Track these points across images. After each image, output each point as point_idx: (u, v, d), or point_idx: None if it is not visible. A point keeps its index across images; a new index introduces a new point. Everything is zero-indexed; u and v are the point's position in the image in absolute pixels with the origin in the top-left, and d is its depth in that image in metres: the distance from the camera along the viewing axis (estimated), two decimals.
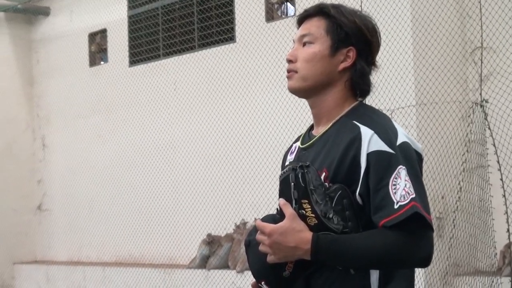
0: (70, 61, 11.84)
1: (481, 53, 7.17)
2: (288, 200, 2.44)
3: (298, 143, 2.69)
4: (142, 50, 10.84)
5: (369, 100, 7.85)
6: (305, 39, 2.61)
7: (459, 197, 7.04)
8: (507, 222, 6.70)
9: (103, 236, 11.03)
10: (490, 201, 6.95)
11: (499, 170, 6.82)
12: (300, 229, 2.40)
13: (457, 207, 7.04)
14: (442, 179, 7.19)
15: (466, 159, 7.06)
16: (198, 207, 9.71)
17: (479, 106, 7.07)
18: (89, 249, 11.41)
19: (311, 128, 2.68)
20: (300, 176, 2.43)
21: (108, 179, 11.02)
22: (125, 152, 10.83)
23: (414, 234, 2.34)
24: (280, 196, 2.49)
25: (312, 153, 2.57)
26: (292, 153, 2.70)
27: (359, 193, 2.40)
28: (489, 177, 7.01)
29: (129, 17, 11.02)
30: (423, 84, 7.24)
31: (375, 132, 2.45)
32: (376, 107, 7.67)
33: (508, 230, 6.72)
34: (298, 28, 2.67)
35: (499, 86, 7.10)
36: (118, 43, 11.14)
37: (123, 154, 10.86)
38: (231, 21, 9.62)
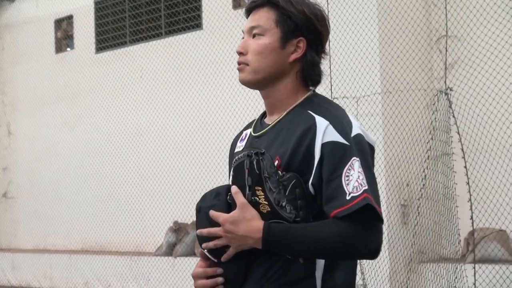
0: (36, 48, 11.76)
1: (446, 42, 7.19)
2: (242, 186, 2.43)
3: (250, 130, 2.68)
4: (108, 37, 10.79)
5: (334, 88, 7.85)
6: (255, 31, 2.60)
7: (423, 185, 7.09)
8: (471, 209, 6.74)
9: (69, 223, 10.98)
10: (454, 188, 6.98)
11: (463, 157, 6.86)
12: (250, 217, 2.41)
13: (422, 194, 7.10)
14: (407, 166, 7.25)
15: (430, 147, 7.10)
16: (164, 194, 9.70)
17: (443, 94, 7.10)
18: (55, 237, 11.36)
19: (264, 115, 2.68)
20: (255, 162, 2.43)
21: (75, 166, 10.97)
22: (92, 139, 10.79)
23: (364, 226, 2.36)
24: (233, 183, 2.49)
25: (264, 141, 2.57)
26: (242, 140, 2.69)
27: (311, 183, 2.40)
28: (453, 165, 7.06)
29: (96, 3, 10.96)
30: (389, 72, 7.28)
31: (330, 123, 2.45)
32: (342, 95, 7.68)
33: (471, 217, 6.76)
34: (247, 19, 2.65)
35: (464, 74, 7.17)
36: (85, 30, 11.08)
37: (89, 141, 10.82)
38: (198, 8, 9.60)
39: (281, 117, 2.57)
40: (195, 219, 2.55)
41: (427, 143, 7.13)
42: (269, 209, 2.38)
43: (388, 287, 6.96)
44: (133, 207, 10.08)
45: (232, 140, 2.76)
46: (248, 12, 2.66)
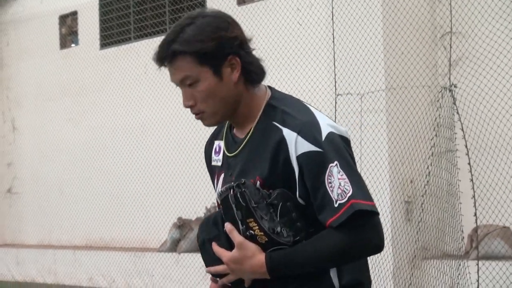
0: (41, 44, 11.80)
1: (450, 38, 7.22)
2: (233, 219, 2.41)
3: (222, 143, 2.64)
4: (113, 33, 10.81)
5: (339, 85, 7.83)
6: (188, 82, 2.50)
7: (427, 181, 7.11)
8: (475, 206, 6.77)
9: (74, 219, 11.02)
10: (458, 185, 7.04)
11: (467, 154, 6.88)
12: (251, 254, 2.42)
13: (426, 191, 7.12)
14: (411, 163, 7.26)
15: (434, 144, 7.14)
16: (169, 190, 9.72)
17: (448, 91, 7.13)
18: (59, 233, 11.40)
19: (231, 126, 2.63)
20: (239, 195, 2.39)
21: (79, 162, 11.01)
22: (96, 135, 10.82)
23: (361, 228, 2.36)
24: (224, 215, 2.45)
25: (239, 161, 2.54)
26: (217, 152, 2.66)
27: (299, 195, 2.40)
28: (457, 162, 7.09)
29: (100, 0, 10.97)
30: (393, 69, 7.30)
31: (299, 133, 2.42)
32: (346, 91, 7.66)
33: (475, 214, 6.79)
34: (159, 66, 2.56)
35: (468, 71, 7.17)
36: (89, 26, 11.11)
37: (93, 137, 10.85)
38: (202, 4, 9.62)
39: (250, 132, 2.54)
40: (201, 216, 2.61)
41: (431, 140, 7.16)
42: (266, 239, 2.38)
43: (391, 283, 6.99)
44: (137, 203, 10.12)
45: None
46: (160, 63, 2.56)
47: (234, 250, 2.42)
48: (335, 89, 7.49)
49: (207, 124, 2.57)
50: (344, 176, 2.37)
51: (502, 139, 6.98)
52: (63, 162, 11.24)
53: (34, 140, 11.86)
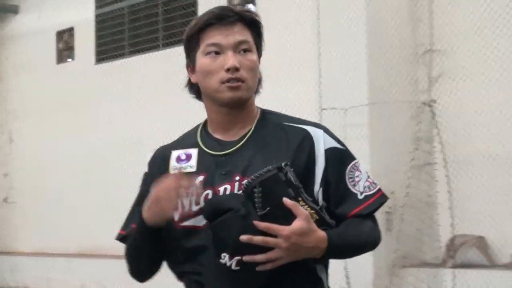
0: (38, 58, 11.93)
1: (431, 56, 7.34)
2: (278, 201, 2.27)
3: (191, 151, 2.53)
4: (108, 48, 10.95)
5: (324, 99, 7.97)
6: (244, 46, 2.48)
7: (407, 193, 7.21)
8: (451, 216, 6.91)
9: (69, 228, 11.08)
10: (436, 196, 7.15)
11: (445, 167, 7.02)
12: (315, 228, 2.29)
13: (405, 202, 7.22)
14: (392, 175, 7.35)
15: (414, 157, 7.22)
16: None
17: (427, 106, 7.25)
18: (54, 241, 11.45)
19: (201, 132, 2.58)
20: (290, 174, 2.30)
21: (75, 173, 11.10)
22: (92, 149, 10.91)
23: (375, 220, 2.48)
24: (265, 200, 2.28)
25: (238, 159, 2.45)
26: (183, 160, 2.52)
27: (318, 190, 2.41)
28: (435, 174, 7.20)
29: (96, 16, 11.12)
30: (376, 85, 7.38)
31: (324, 131, 2.48)
32: (331, 106, 7.77)
33: (452, 225, 6.92)
34: (203, 31, 2.49)
35: (447, 87, 7.29)
36: (85, 41, 11.23)
37: (90, 151, 10.94)
38: None
39: (249, 132, 2.50)
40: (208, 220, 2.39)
41: (411, 153, 7.26)
42: (317, 217, 2.32)
43: None
44: (111, 213, 10.18)
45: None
46: (229, 18, 2.48)
47: (301, 222, 2.25)
48: (321, 103, 7.59)
49: (241, 96, 2.45)
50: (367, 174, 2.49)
51: (479, 152, 7.08)
52: (59, 173, 11.33)
53: (31, 152, 11.95)
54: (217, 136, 2.54)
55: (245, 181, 2.34)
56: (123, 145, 10.48)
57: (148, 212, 2.44)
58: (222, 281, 2.35)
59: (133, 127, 10.42)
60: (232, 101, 2.45)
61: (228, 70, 2.43)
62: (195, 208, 2.45)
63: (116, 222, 9.34)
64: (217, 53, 2.47)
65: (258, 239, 2.24)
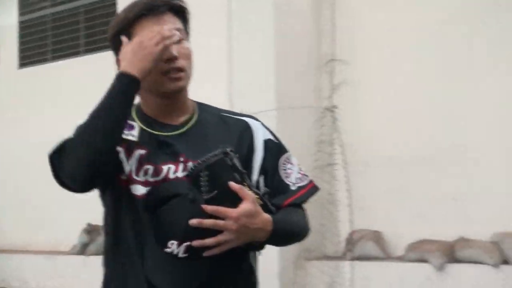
0: None
1: (333, 65, 7.42)
2: (225, 184, 2.16)
3: (133, 123, 2.36)
4: (31, 54, 10.76)
5: (234, 103, 7.92)
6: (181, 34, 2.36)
7: None
8: (350, 213, 7.00)
9: None
10: (337, 194, 7.20)
11: (345, 168, 7.12)
12: (261, 211, 2.20)
13: (309, 200, 7.25)
14: None
15: (317, 158, 7.29)
16: (80, 198, 9.64)
17: (329, 111, 7.34)
18: None
19: (137, 113, 2.41)
20: (235, 160, 2.21)
21: None
22: (13, 152, 10.69)
23: (305, 211, 2.48)
24: (212, 183, 2.15)
25: (183, 141, 2.34)
26: (128, 128, 2.32)
27: (257, 179, 2.37)
28: (336, 174, 7.28)
29: (20, 23, 10.92)
30: (283, 91, 7.42)
31: (261, 123, 2.47)
32: (241, 110, 7.74)
33: (350, 220, 7.02)
34: (134, 24, 2.33)
35: (347, 94, 7.40)
36: (9, 46, 11.01)
37: (11, 153, 10.72)
38: None
39: (193, 118, 2.41)
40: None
41: (314, 154, 7.33)
42: (261, 203, 2.24)
43: (278, 282, 7.10)
44: (50, 210, 10.07)
45: None
46: (147, 14, 2.33)
47: (248, 204, 2.15)
48: (231, 107, 7.60)
49: (182, 85, 2.34)
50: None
51: (376, 154, 7.22)
52: None
53: None
54: (157, 118, 2.39)
55: (190, 164, 2.22)
56: (44, 148, 10.26)
57: (131, 60, 2.23)
58: (163, 271, 2.23)
59: (54, 132, 10.23)
60: (174, 91, 2.35)
61: (167, 60, 2.31)
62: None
63: (34, 218, 9.16)
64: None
65: (208, 222, 2.13)
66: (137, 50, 2.23)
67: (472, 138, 6.72)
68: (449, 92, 6.86)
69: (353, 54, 7.45)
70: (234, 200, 2.16)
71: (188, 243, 2.17)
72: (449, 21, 6.88)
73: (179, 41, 2.33)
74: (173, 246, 2.19)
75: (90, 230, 9.22)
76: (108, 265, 2.42)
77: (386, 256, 7.03)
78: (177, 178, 2.29)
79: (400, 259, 6.90)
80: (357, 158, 7.25)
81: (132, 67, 2.22)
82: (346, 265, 6.99)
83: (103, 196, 2.47)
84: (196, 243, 2.16)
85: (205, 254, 2.17)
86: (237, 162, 2.22)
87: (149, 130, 2.36)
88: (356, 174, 7.23)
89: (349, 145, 7.26)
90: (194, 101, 2.47)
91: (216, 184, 2.15)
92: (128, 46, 2.26)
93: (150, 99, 2.39)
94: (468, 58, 6.78)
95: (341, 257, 7.16)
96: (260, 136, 2.43)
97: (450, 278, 6.51)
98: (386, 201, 7.13)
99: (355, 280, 6.93)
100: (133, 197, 2.30)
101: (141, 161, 2.30)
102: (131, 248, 2.31)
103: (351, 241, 7.11)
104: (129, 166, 2.31)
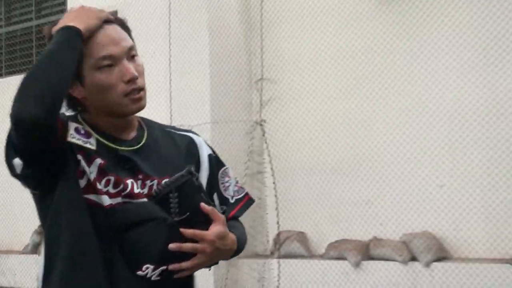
0: None
1: (261, 83, 7.49)
2: (194, 206, 1.97)
3: (88, 129, 2.05)
4: None
5: (174, 118, 7.84)
6: (132, 52, 2.06)
7: None
8: (277, 216, 7.04)
9: None
10: (266, 199, 7.23)
11: (273, 175, 7.16)
12: (228, 231, 2.02)
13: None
14: None
15: (248, 167, 7.32)
16: (31, 201, 9.53)
17: (259, 125, 7.39)
18: None
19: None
20: (198, 180, 2.02)
21: None
22: None
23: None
24: (182, 203, 1.95)
25: (140, 158, 2.07)
26: (82, 134, 2.02)
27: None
28: (265, 181, 7.32)
29: None
30: (217, 106, 7.44)
31: (202, 138, 2.28)
32: (180, 123, 7.71)
33: (278, 223, 7.06)
34: (83, 34, 1.95)
35: (274, 109, 7.46)
36: None
37: None
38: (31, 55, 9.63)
39: (145, 135, 2.14)
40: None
41: (246, 163, 7.36)
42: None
43: (212, 278, 7.09)
44: (4, 211, 9.91)
45: None
46: (117, 22, 2.05)
47: (219, 226, 1.98)
48: (171, 121, 7.56)
49: (143, 104, 2.07)
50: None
51: (301, 163, 7.28)
52: None
53: None
54: (110, 133, 2.09)
55: (158, 186, 2.02)
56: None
57: (75, 18, 1.95)
58: None
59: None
60: (136, 112, 2.08)
61: (128, 81, 2.02)
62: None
63: None
64: (109, 65, 2.01)
65: (187, 246, 1.95)
66: (81, 12, 1.98)
67: (383, 149, 6.80)
68: (362, 108, 6.95)
69: (280, 73, 7.52)
70: (205, 221, 1.98)
71: (164, 267, 1.98)
72: (360, 46, 6.98)
73: (133, 57, 2.05)
74: (147, 270, 1.98)
75: (41, 231, 9.12)
76: (64, 276, 2.01)
77: (310, 254, 7.05)
78: (142, 196, 2.04)
79: (322, 257, 6.92)
80: (284, 166, 7.29)
81: (76, 22, 1.94)
82: (273, 262, 7.01)
83: (47, 197, 2.05)
84: (172, 266, 1.97)
85: (177, 276, 2.00)
86: (200, 182, 2.04)
87: (105, 142, 2.06)
88: (283, 181, 7.26)
89: (276, 155, 7.32)
90: (136, 116, 2.19)
91: (186, 205, 1.96)
92: (70, 12, 1.98)
93: (102, 119, 2.08)
94: (377, 77, 6.86)
95: (269, 256, 7.17)
96: (204, 152, 2.23)
97: (365, 273, 6.58)
98: (309, 205, 7.18)
99: (282, 276, 6.97)
100: (96, 207, 1.99)
101: (101, 171, 2.01)
102: (95, 262, 1.99)
103: (278, 241, 7.10)
104: (92, 174, 2.00)
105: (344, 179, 7.00)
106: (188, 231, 1.94)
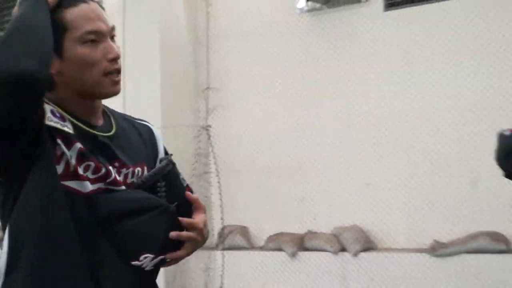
0: None
1: (208, 92, 7.53)
2: (180, 194, 1.88)
3: (63, 113, 1.80)
4: None
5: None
6: (114, 32, 1.86)
7: None
8: (222, 212, 7.11)
9: None
10: (211, 197, 7.26)
11: (217, 175, 7.24)
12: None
13: None
14: None
15: (195, 168, 7.31)
16: None
17: (205, 130, 7.44)
18: None
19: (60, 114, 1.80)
20: (177, 169, 1.94)
21: None
22: None
23: None
24: (168, 193, 1.86)
25: (113, 145, 1.88)
26: (58, 117, 1.77)
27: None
28: (210, 180, 7.36)
29: None
30: (167, 112, 7.35)
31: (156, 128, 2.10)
32: None
33: (222, 218, 7.13)
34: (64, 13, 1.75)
35: (219, 116, 7.50)
36: None
37: None
38: None
39: (114, 122, 1.95)
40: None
41: (193, 164, 7.37)
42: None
43: (162, 269, 6.97)
44: None
45: None
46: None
47: (203, 214, 1.90)
48: None
49: (119, 89, 1.87)
50: None
51: (243, 164, 7.33)
52: None
53: None
54: (82, 117, 1.86)
55: (141, 175, 1.87)
56: None
57: None
58: (122, 283, 1.77)
59: None
60: (113, 95, 1.86)
61: (112, 60, 1.81)
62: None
63: None
64: (93, 41, 1.80)
65: (185, 234, 1.81)
66: None
67: (317, 151, 6.90)
68: (298, 114, 7.03)
69: (224, 83, 7.56)
70: (188, 209, 1.88)
71: (162, 256, 1.81)
72: (296, 58, 7.07)
73: (112, 38, 1.84)
74: (146, 260, 1.77)
75: None
76: (40, 269, 1.71)
77: (251, 246, 7.09)
78: (121, 184, 1.83)
79: (262, 248, 6.98)
80: (228, 167, 7.34)
81: None
82: (218, 254, 7.07)
83: (13, 184, 1.75)
84: (170, 255, 1.82)
85: (167, 265, 1.86)
86: (179, 171, 1.92)
87: (82, 126, 1.84)
88: (227, 181, 7.30)
89: (221, 157, 7.37)
90: (100, 101, 1.96)
91: (172, 194, 1.86)
92: None
93: (72, 100, 1.83)
94: (311, 87, 6.94)
95: (214, 248, 7.20)
96: (161, 144, 2.09)
97: (300, 263, 6.68)
98: (251, 202, 7.23)
99: (226, 266, 7.02)
100: (77, 194, 1.76)
101: (81, 156, 1.79)
102: (72, 252, 1.73)
103: (222, 235, 7.14)
104: (72, 159, 1.77)
105: (282, 179, 7.07)
106: (186, 220, 1.82)
